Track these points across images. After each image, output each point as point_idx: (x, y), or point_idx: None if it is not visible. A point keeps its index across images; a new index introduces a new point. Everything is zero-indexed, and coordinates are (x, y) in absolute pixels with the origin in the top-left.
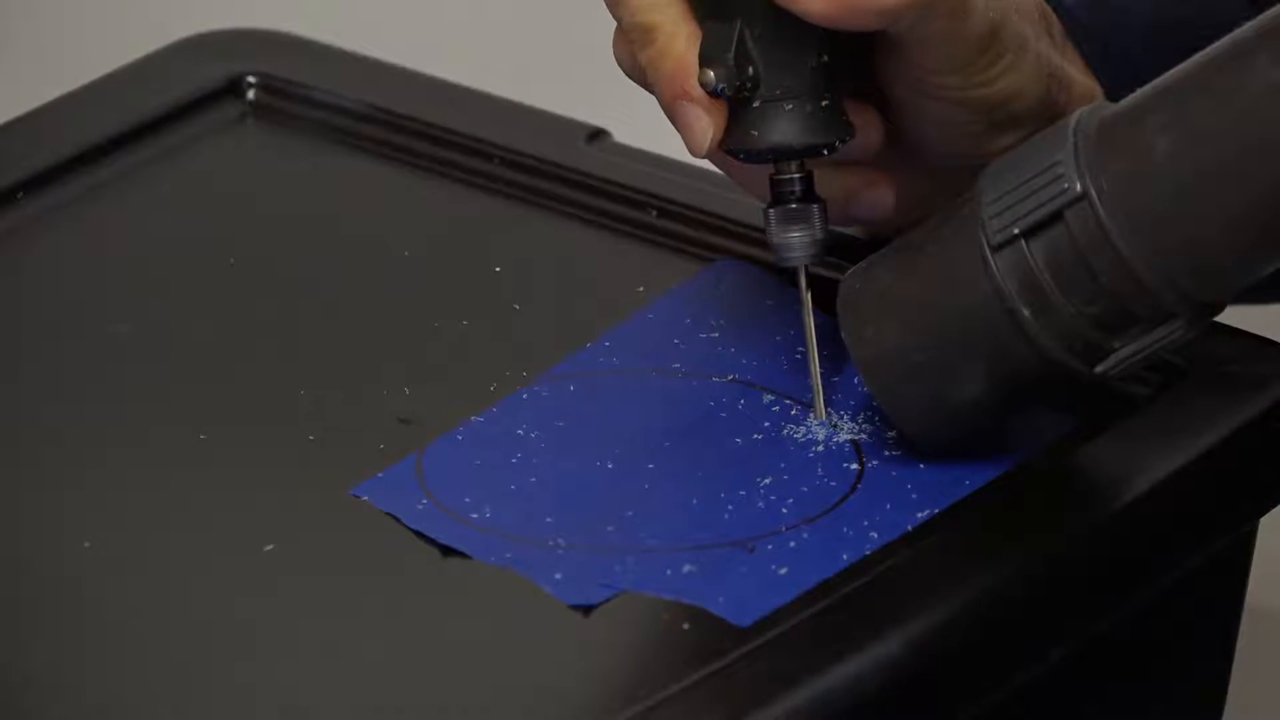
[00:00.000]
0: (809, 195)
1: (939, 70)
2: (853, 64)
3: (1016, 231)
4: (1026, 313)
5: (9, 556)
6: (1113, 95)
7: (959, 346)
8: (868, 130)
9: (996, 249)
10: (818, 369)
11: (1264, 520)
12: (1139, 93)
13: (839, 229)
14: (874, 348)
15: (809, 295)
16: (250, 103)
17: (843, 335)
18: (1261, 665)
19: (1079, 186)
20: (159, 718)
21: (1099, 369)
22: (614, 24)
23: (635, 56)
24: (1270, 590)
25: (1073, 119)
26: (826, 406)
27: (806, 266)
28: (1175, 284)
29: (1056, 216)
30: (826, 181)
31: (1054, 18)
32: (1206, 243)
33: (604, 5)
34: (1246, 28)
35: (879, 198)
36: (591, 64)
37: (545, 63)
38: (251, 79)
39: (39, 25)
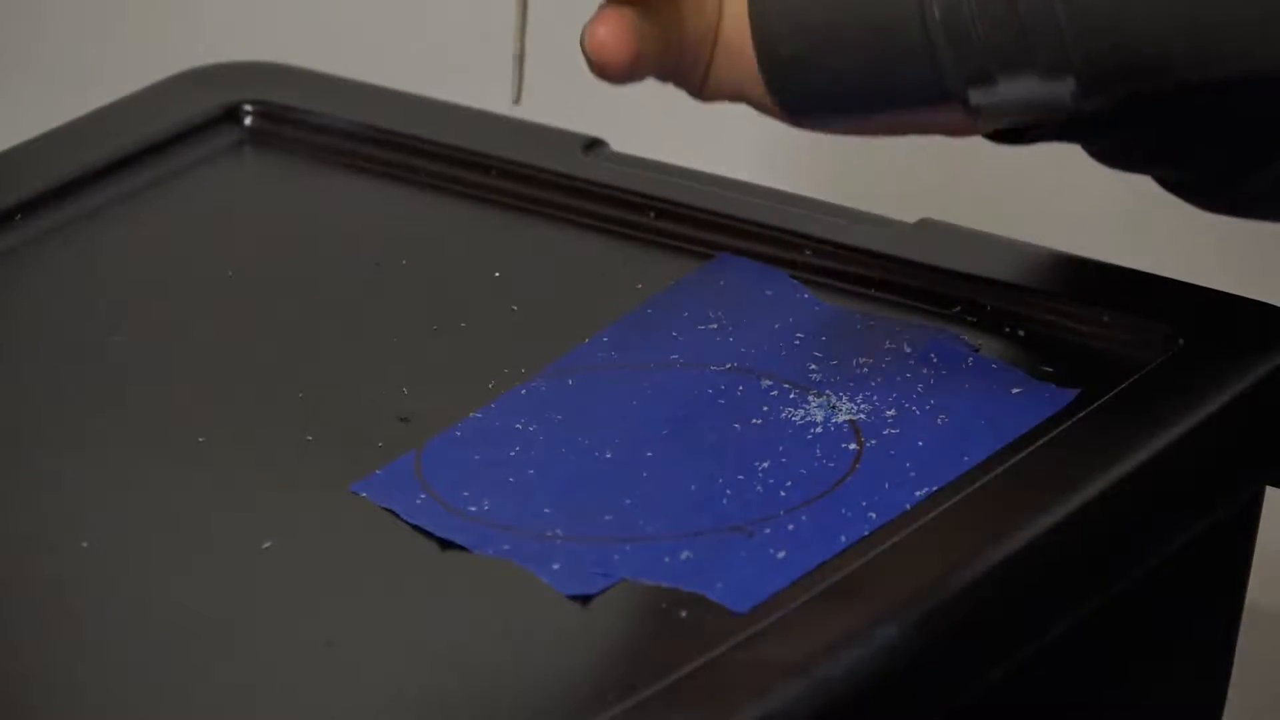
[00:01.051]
0: None
1: None
2: None
3: None
4: (936, 14)
5: (8, 556)
6: None
7: (856, 22)
8: None
9: None
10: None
11: (1264, 521)
12: None
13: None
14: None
15: None
16: (248, 129)
17: (749, 11)
18: (1261, 665)
19: None
20: (158, 716)
21: (974, 99)
22: None
23: None
24: (1270, 590)
25: None
26: (825, 389)
27: None
28: (1086, 42)
29: None
30: None
31: None
32: (1132, 14)
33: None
34: None
35: None
36: (586, 81)
37: (538, 84)
38: (248, 106)
39: (41, 61)
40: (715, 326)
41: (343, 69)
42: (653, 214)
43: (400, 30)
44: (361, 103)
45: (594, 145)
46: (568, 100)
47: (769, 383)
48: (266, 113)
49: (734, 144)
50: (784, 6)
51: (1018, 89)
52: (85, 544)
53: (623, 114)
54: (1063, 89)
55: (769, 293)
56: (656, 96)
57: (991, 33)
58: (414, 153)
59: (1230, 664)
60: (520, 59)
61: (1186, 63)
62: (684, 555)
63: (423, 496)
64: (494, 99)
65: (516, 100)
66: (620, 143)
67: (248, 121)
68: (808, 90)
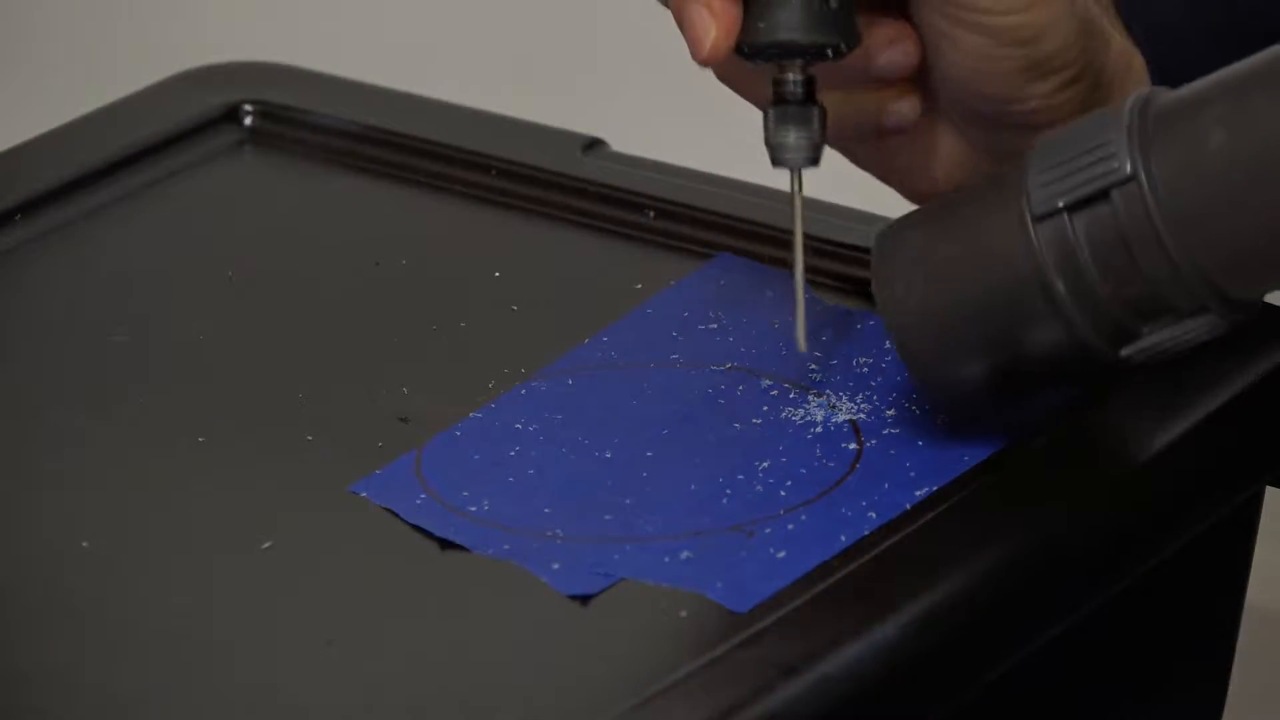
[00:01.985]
0: (810, 98)
1: None
2: None
3: (1061, 204)
4: (1061, 287)
5: (9, 556)
6: (1153, 63)
7: (988, 313)
8: (903, 45)
9: (1039, 219)
10: (802, 291)
11: (1264, 523)
12: (1200, 82)
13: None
14: (902, 305)
15: (801, 200)
16: (248, 129)
17: (873, 289)
18: (1261, 665)
19: (1129, 168)
20: (158, 716)
21: (1124, 353)
22: (606, 36)
23: None
24: (1270, 590)
25: (1130, 100)
26: (825, 389)
27: (800, 169)
28: (1212, 278)
29: (1103, 194)
30: (860, 99)
31: None
32: (1249, 241)
33: (594, 28)
34: None
35: (909, 104)
36: (586, 80)
37: (538, 84)
38: (249, 106)
39: (41, 62)
40: (715, 326)
41: (343, 69)
42: (652, 214)
43: (400, 30)
44: (361, 103)
45: (594, 145)
46: (568, 100)
47: (769, 383)
48: (266, 113)
49: (734, 144)
50: (917, 313)
51: (1163, 334)
52: (85, 544)
53: (623, 114)
54: (1207, 320)
55: (769, 293)
56: (656, 96)
57: (1119, 290)
58: (414, 153)
59: (1230, 664)
60: (800, 306)
61: None
62: (684, 555)
63: (423, 496)
64: (494, 99)
65: (801, 347)
66: (620, 143)
67: (248, 121)
68: (958, 381)
